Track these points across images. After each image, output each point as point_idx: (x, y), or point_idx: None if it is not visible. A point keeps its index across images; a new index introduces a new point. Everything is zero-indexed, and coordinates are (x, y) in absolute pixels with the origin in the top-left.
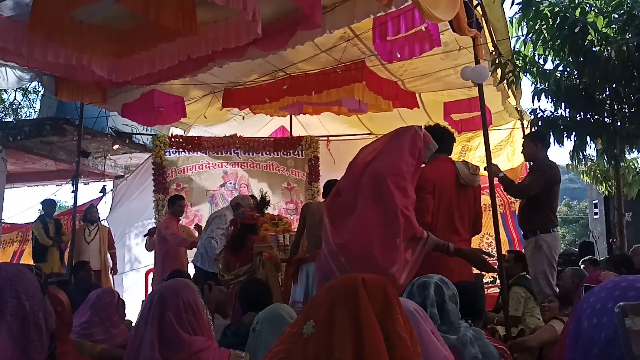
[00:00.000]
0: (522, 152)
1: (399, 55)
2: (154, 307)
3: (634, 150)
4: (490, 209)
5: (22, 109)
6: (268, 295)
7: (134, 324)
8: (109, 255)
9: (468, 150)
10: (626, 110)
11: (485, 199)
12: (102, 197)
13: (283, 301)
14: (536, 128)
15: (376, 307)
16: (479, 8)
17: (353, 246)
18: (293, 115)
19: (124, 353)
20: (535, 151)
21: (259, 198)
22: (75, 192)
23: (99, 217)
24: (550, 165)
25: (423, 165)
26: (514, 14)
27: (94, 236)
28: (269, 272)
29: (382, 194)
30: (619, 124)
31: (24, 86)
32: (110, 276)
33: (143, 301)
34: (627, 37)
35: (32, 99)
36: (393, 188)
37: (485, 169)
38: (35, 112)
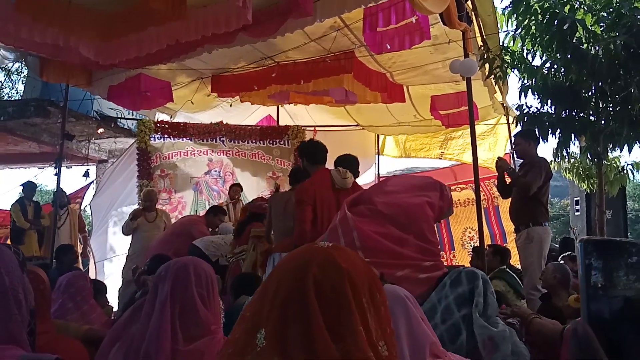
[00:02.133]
0: (514, 150)
1: (388, 47)
2: (171, 272)
3: (616, 148)
4: (474, 203)
5: (3, 90)
6: (259, 283)
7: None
8: (80, 238)
9: (451, 139)
10: (611, 109)
11: (468, 194)
12: (91, 183)
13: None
14: (522, 124)
15: (330, 307)
16: (469, 2)
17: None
18: (280, 105)
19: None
20: (528, 149)
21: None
22: (58, 175)
23: (69, 201)
24: (542, 160)
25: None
26: (505, 8)
27: (64, 220)
28: (260, 257)
29: (412, 227)
30: (603, 122)
31: (6, 66)
32: (80, 259)
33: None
34: (615, 35)
35: (15, 80)
36: (426, 228)
37: (497, 165)
38: (17, 93)
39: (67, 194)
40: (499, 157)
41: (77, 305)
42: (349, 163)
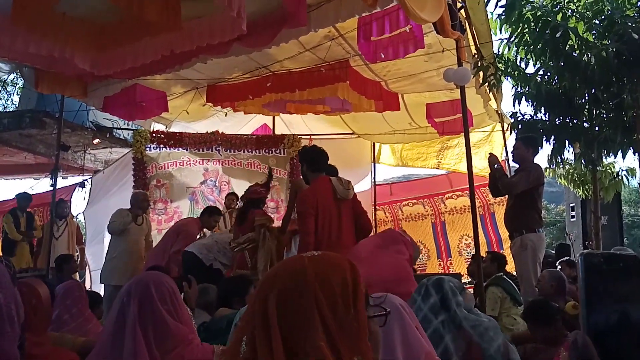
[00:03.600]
0: (512, 153)
1: (382, 56)
2: (135, 294)
3: (611, 154)
4: (470, 210)
5: None
6: (246, 291)
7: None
8: (77, 250)
9: (447, 148)
10: (604, 115)
11: (464, 201)
12: (74, 187)
13: None
14: (516, 131)
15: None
16: (462, 11)
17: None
18: (276, 114)
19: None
20: (526, 154)
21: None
22: (54, 186)
23: (69, 213)
24: (535, 166)
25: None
26: (497, 16)
27: (62, 231)
28: (272, 242)
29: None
30: (597, 128)
31: (2, 77)
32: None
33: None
34: (607, 42)
35: (10, 91)
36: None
37: (488, 160)
38: (13, 104)
39: (68, 205)
40: (490, 153)
41: (73, 317)
42: (331, 172)
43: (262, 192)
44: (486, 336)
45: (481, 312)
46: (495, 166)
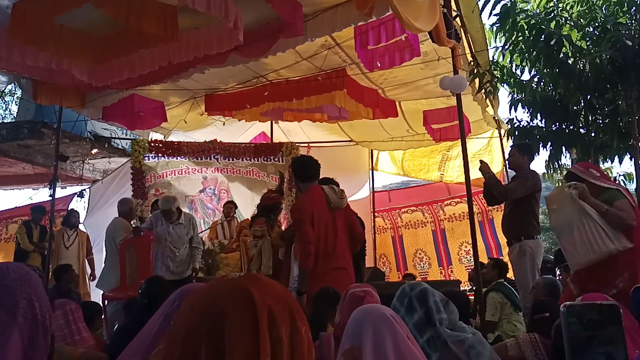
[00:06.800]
0: (507, 160)
1: (379, 64)
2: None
3: (607, 160)
4: (468, 217)
5: None
6: None
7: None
8: (87, 261)
9: (448, 159)
10: (600, 121)
11: (462, 208)
12: (73, 196)
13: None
14: (513, 138)
15: None
16: (458, 19)
17: None
18: (274, 122)
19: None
20: (521, 161)
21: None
22: (52, 196)
23: (79, 222)
24: (532, 173)
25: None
26: (492, 25)
27: (73, 241)
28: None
29: None
30: (593, 134)
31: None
32: (88, 282)
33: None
34: (601, 50)
35: (8, 101)
36: None
37: (480, 169)
38: (10, 114)
39: (79, 214)
40: (481, 161)
41: (61, 327)
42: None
43: (274, 197)
44: (472, 352)
45: (478, 317)
46: (489, 174)
